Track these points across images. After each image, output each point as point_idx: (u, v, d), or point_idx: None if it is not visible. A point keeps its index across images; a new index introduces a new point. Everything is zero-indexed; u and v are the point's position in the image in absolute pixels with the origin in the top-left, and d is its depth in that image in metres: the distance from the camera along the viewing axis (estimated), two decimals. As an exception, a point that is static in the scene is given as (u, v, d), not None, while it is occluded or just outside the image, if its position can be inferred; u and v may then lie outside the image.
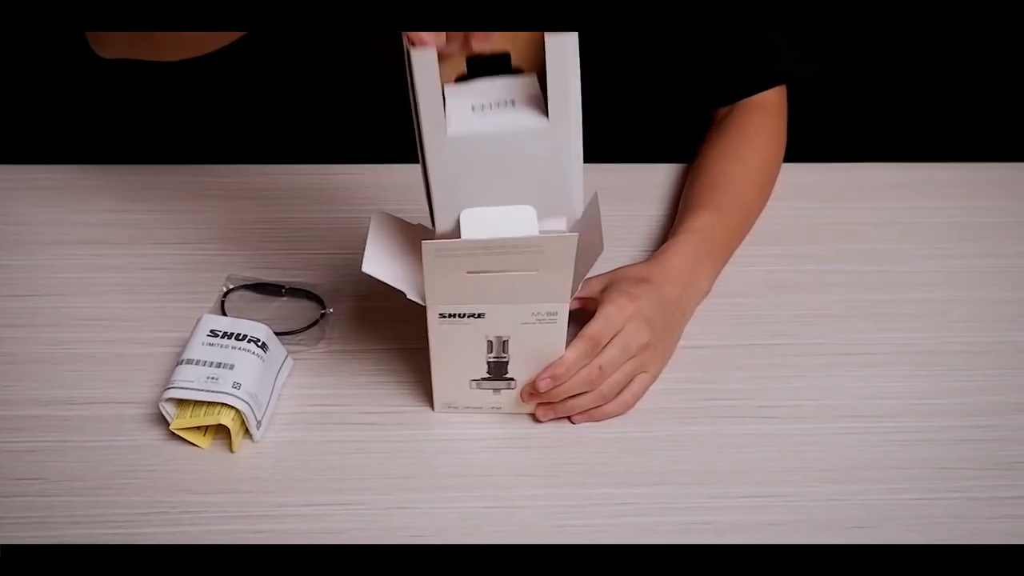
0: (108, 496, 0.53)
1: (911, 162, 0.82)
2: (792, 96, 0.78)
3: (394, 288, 0.52)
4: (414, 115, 0.46)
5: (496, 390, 0.57)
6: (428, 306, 0.52)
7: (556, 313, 0.52)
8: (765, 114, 0.74)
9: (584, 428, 0.58)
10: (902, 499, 0.55)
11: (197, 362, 0.56)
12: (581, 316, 0.57)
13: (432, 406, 0.58)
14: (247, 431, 0.56)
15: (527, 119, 0.46)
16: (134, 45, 0.62)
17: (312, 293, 0.66)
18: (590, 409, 0.57)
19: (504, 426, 0.58)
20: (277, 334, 0.60)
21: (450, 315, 0.52)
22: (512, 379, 0.56)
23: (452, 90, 0.47)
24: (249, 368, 0.56)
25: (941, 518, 0.54)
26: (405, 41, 0.43)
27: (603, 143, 0.71)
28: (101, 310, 0.65)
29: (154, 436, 0.57)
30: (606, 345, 0.55)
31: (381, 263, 0.52)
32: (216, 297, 0.66)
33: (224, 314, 0.64)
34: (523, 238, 0.48)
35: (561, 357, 0.54)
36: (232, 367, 0.55)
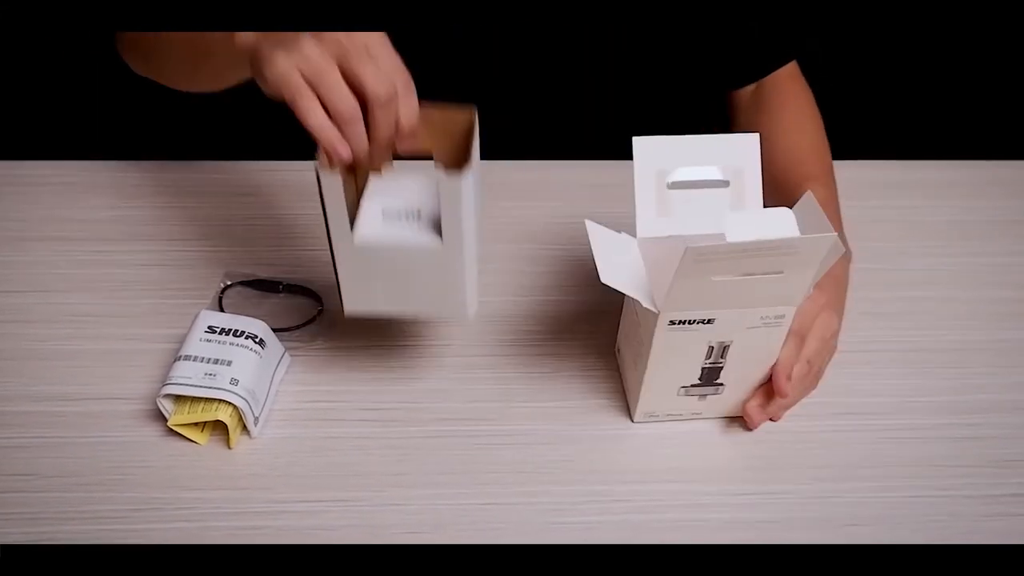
0: (102, 492, 0.53)
1: (909, 160, 0.82)
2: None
3: (632, 298, 0.52)
4: (322, 212, 0.49)
5: (702, 396, 0.57)
6: (661, 312, 0.51)
7: (784, 316, 0.52)
8: (796, 84, 0.75)
9: (576, 426, 0.58)
10: (896, 496, 0.55)
11: (195, 358, 0.56)
12: None
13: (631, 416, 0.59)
14: (244, 427, 0.56)
15: (424, 238, 0.50)
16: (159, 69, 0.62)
17: (310, 290, 0.66)
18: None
19: (498, 424, 0.58)
20: (275, 330, 0.60)
21: (680, 322, 0.51)
22: (721, 384, 0.56)
23: (372, 187, 0.52)
24: (247, 364, 0.56)
25: (935, 516, 0.54)
26: (317, 160, 0.47)
27: (614, 139, 0.71)
28: (97, 306, 0.65)
29: (149, 432, 0.57)
30: (807, 338, 0.56)
31: (615, 274, 0.52)
32: (214, 293, 0.65)
33: (222, 310, 0.64)
34: (785, 239, 0.48)
35: (779, 360, 0.55)
36: (230, 363, 0.55)
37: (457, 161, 0.50)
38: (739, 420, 0.59)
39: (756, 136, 0.55)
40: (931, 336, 0.66)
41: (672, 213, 0.55)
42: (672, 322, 0.51)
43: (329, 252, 0.51)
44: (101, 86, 1.01)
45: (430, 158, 0.52)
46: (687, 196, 0.55)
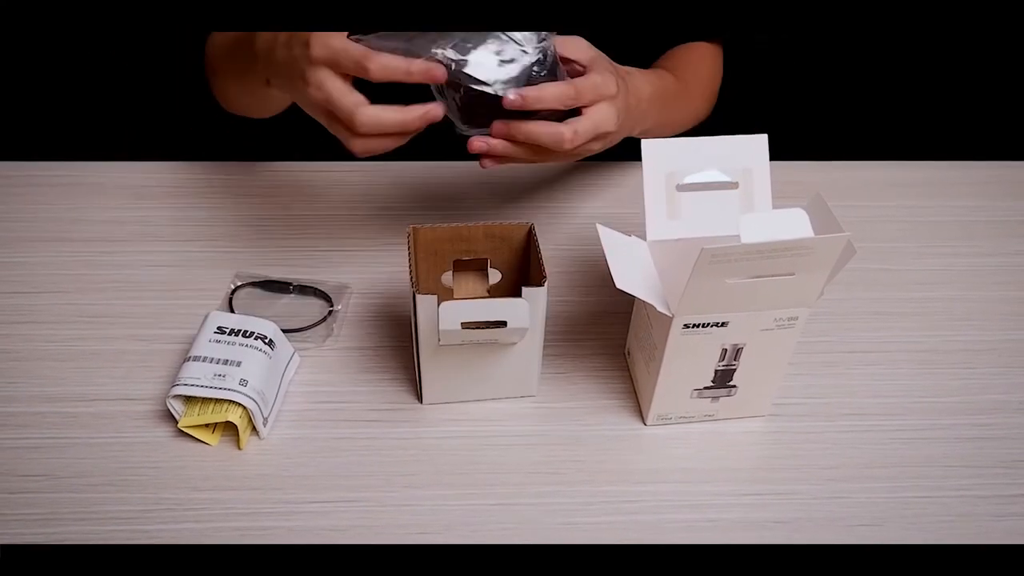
0: (113, 493, 0.53)
1: (913, 160, 0.83)
2: (794, 95, 0.79)
3: (644, 301, 0.52)
4: (412, 323, 0.54)
5: (715, 398, 0.57)
6: (675, 316, 0.51)
7: (797, 318, 0.52)
8: (706, 51, 0.79)
9: (587, 426, 0.58)
10: (907, 497, 0.55)
11: (204, 359, 0.56)
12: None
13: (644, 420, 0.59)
14: (254, 428, 0.56)
15: (501, 337, 0.54)
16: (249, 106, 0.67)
17: (320, 290, 0.66)
18: (539, 153, 0.56)
19: (508, 424, 0.58)
20: (284, 331, 0.60)
21: (694, 325, 0.51)
22: (735, 386, 0.56)
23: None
24: (256, 365, 0.56)
25: (946, 516, 0.54)
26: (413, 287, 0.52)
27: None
28: (107, 307, 0.65)
29: (160, 433, 0.57)
30: (582, 113, 0.55)
31: (629, 279, 0.52)
32: (224, 294, 0.66)
33: (232, 311, 0.64)
34: (800, 240, 0.47)
35: (541, 88, 0.52)
36: (239, 364, 0.55)
37: (512, 264, 0.59)
38: (750, 420, 0.59)
39: (764, 137, 0.55)
40: (940, 337, 0.66)
41: (682, 215, 0.55)
42: (686, 326, 0.51)
43: (414, 354, 0.56)
44: (112, 87, 1.01)
45: (486, 263, 0.59)
46: (696, 198, 0.55)
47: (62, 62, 1.05)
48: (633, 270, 0.53)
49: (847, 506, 0.54)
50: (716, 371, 0.55)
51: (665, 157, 0.55)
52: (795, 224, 0.50)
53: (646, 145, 0.54)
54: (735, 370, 0.55)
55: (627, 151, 0.78)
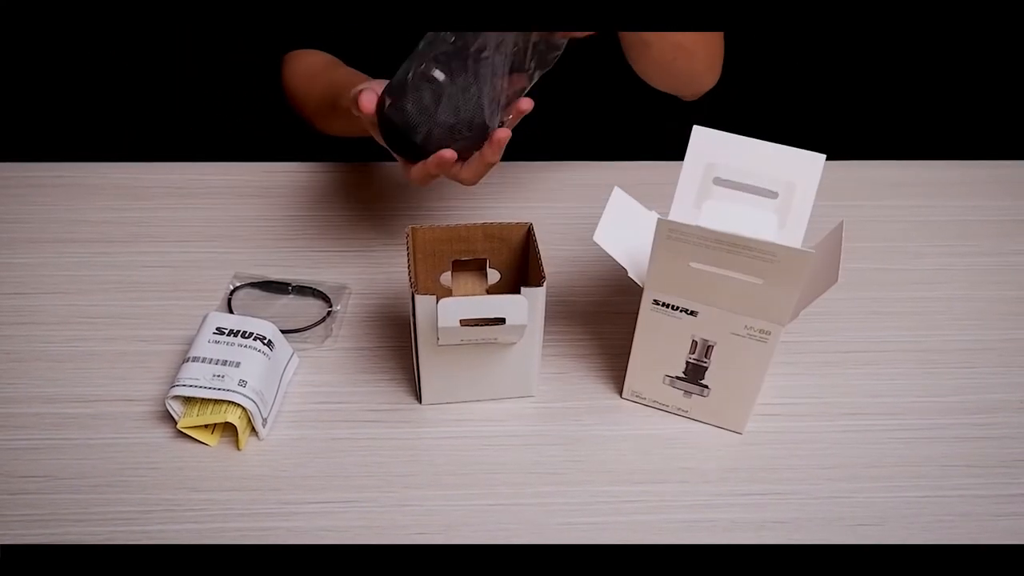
0: (113, 494, 0.53)
1: (913, 160, 0.83)
2: (794, 94, 0.79)
3: (617, 263, 0.53)
4: (411, 323, 0.54)
5: (688, 393, 0.57)
6: (645, 289, 0.52)
7: (769, 333, 0.51)
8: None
9: (587, 427, 0.58)
10: (905, 497, 0.55)
11: (203, 360, 0.56)
12: None
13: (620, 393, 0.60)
14: (253, 429, 0.56)
15: (501, 338, 0.54)
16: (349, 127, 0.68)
17: (319, 291, 0.66)
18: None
19: (508, 424, 0.58)
20: (283, 332, 0.60)
21: (663, 304, 0.52)
22: (707, 387, 0.56)
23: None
24: (255, 366, 0.56)
25: (945, 516, 0.54)
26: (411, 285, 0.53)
27: (620, 141, 0.71)
28: (105, 307, 0.65)
29: (159, 434, 0.57)
30: None
31: (611, 236, 0.52)
32: (223, 295, 0.66)
33: (231, 312, 0.64)
34: (759, 240, 0.47)
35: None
36: (238, 365, 0.55)
37: (512, 264, 0.59)
38: (749, 421, 0.59)
39: (822, 157, 0.54)
40: (939, 336, 0.66)
41: (708, 207, 0.55)
42: (655, 301, 0.52)
43: (413, 355, 0.57)
44: (112, 88, 1.01)
45: (485, 263, 0.59)
46: (730, 195, 0.55)
47: (63, 62, 1.05)
48: (625, 234, 0.53)
49: (847, 506, 0.54)
50: (688, 362, 0.55)
51: (711, 146, 0.54)
52: (759, 225, 0.50)
53: (696, 131, 0.54)
54: (707, 368, 0.55)
55: (627, 151, 0.78)
